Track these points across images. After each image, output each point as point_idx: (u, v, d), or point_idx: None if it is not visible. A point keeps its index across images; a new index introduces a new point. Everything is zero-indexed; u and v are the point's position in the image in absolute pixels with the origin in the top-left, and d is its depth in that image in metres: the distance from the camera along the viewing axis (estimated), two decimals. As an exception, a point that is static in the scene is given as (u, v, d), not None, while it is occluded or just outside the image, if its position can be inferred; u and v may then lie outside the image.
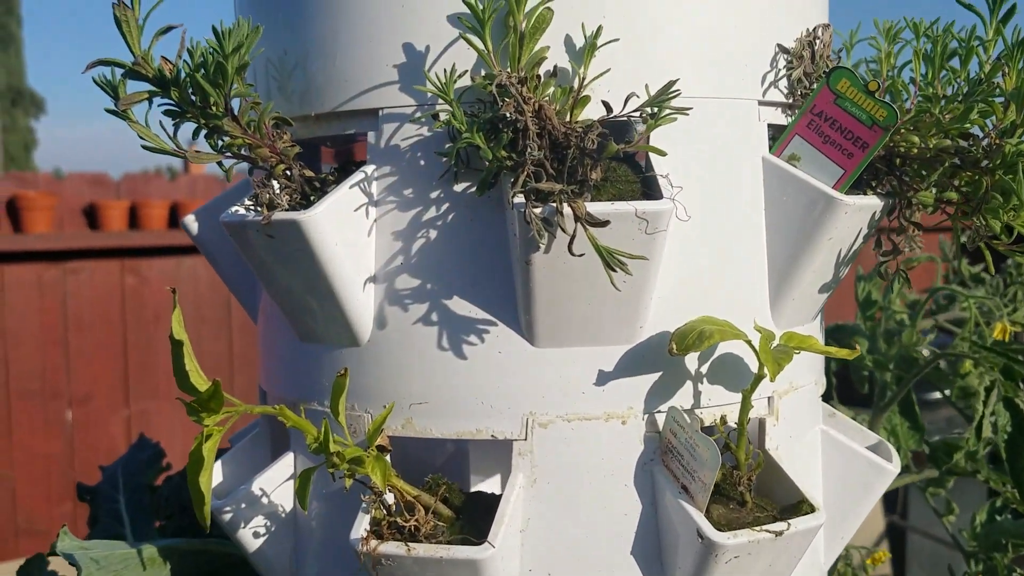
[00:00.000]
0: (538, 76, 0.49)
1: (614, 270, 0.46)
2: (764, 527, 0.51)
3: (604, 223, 0.46)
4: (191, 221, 0.67)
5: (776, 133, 0.58)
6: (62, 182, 3.04)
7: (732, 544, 0.50)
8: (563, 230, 0.47)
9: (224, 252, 0.67)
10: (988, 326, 0.99)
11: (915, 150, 0.57)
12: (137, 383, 2.86)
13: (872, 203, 0.56)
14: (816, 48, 0.58)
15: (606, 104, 0.49)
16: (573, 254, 0.47)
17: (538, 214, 0.47)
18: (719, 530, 0.50)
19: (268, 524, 0.61)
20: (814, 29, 0.59)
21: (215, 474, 0.66)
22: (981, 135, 0.57)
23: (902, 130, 0.59)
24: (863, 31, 0.66)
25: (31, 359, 2.73)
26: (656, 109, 0.47)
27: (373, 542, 0.50)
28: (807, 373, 0.62)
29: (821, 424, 0.65)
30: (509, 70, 0.49)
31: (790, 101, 0.58)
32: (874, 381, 1.07)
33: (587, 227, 0.46)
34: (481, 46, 0.48)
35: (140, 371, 2.86)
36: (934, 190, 0.57)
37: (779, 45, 0.57)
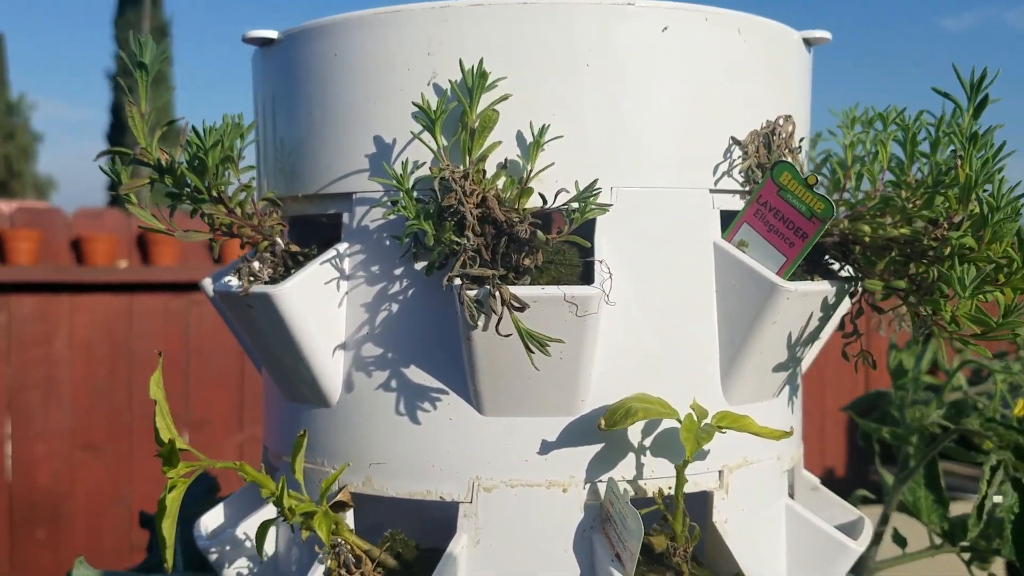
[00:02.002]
0: (483, 170, 0.53)
1: (532, 351, 0.50)
2: (689, 600, 0.53)
3: (524, 307, 0.50)
4: (208, 284, 0.74)
5: (730, 219, 0.60)
6: (186, 218, 3.27)
7: (655, 615, 0.52)
8: (493, 311, 0.51)
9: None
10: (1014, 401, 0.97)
11: (867, 238, 0.59)
12: (251, 409, 3.02)
13: (818, 289, 0.58)
14: (774, 139, 0.60)
15: (542, 196, 0.53)
16: (500, 334, 0.51)
17: (472, 296, 0.51)
18: (647, 600, 0.53)
19: (251, 566, 0.66)
20: (774, 121, 0.61)
21: (217, 515, 0.72)
22: (936, 227, 0.58)
23: (863, 218, 0.60)
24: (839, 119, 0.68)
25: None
26: (581, 204, 0.51)
27: (320, 591, 0.54)
28: (766, 448, 0.63)
29: (787, 499, 0.66)
30: (459, 163, 0.53)
31: (745, 188, 0.60)
32: (902, 457, 1.06)
33: (512, 310, 0.50)
34: (432, 143, 0.53)
35: (254, 399, 3.02)
36: (883, 279, 0.58)
37: (732, 137, 0.59)
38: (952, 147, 0.60)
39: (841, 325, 0.64)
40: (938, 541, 1.00)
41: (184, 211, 0.61)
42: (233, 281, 0.60)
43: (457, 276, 0.51)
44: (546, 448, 0.57)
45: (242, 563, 0.65)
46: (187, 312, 3.01)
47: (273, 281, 0.59)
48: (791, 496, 0.71)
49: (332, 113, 0.60)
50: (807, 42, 0.66)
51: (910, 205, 0.61)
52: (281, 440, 0.66)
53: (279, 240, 0.61)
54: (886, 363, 1.13)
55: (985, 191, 0.54)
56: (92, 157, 0.58)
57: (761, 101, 0.61)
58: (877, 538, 1.00)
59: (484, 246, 0.52)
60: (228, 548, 0.65)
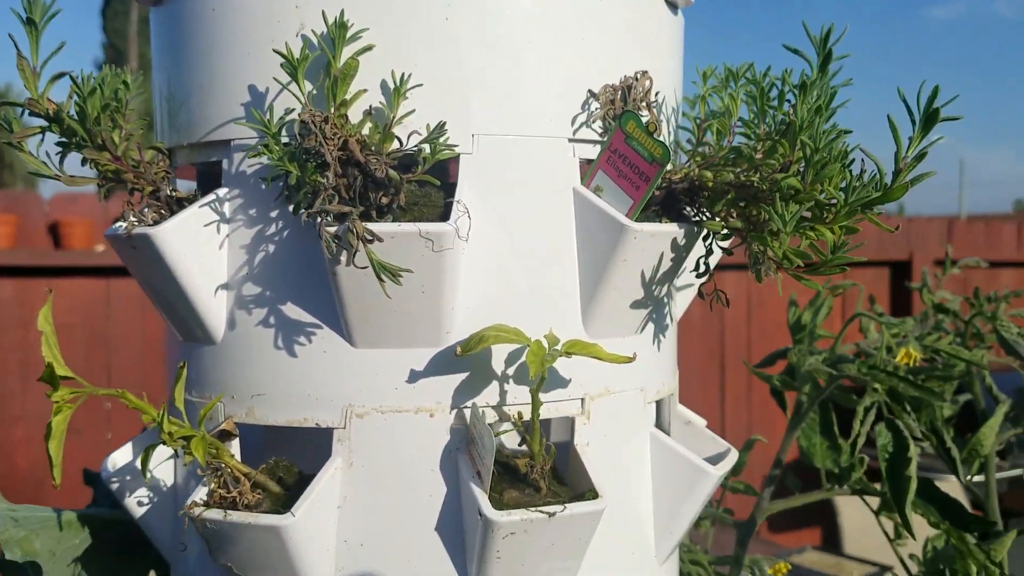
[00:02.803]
0: (345, 116, 0.57)
1: (383, 281, 0.54)
2: (538, 508, 0.58)
3: (377, 239, 0.54)
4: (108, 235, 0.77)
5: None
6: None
7: (505, 521, 0.57)
8: (351, 245, 0.55)
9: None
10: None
11: (710, 183, 0.63)
12: None
13: (665, 230, 0.63)
14: (631, 94, 0.65)
15: (399, 139, 0.57)
16: (357, 267, 0.55)
17: (331, 232, 0.55)
18: (500, 510, 0.57)
19: (151, 495, 0.70)
20: (631, 76, 0.66)
21: (125, 454, 0.75)
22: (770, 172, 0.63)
23: (708, 168, 0.65)
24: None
25: (132, 369, 2.93)
26: (432, 145, 0.55)
27: (198, 509, 0.58)
28: (629, 379, 0.68)
29: (652, 428, 0.71)
30: (324, 110, 0.57)
31: (603, 139, 0.65)
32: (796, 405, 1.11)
33: (366, 244, 0.54)
34: (296, 89, 0.57)
35: None
36: (720, 220, 0.63)
37: (589, 90, 0.64)
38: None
39: (696, 267, 0.69)
40: (830, 486, 1.06)
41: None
42: (122, 224, 0.64)
43: (317, 212, 0.55)
44: (414, 377, 0.61)
45: (142, 493, 0.69)
46: None
47: (156, 224, 0.63)
48: (666, 431, 0.76)
49: (212, 66, 0.63)
50: (671, 5, 0.71)
51: (757, 155, 0.65)
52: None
53: (164, 187, 0.64)
54: (786, 319, 1.19)
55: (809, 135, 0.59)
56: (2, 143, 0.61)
57: (619, 57, 0.65)
58: (771, 480, 1.06)
59: (346, 187, 0.56)
60: (128, 478, 0.69)
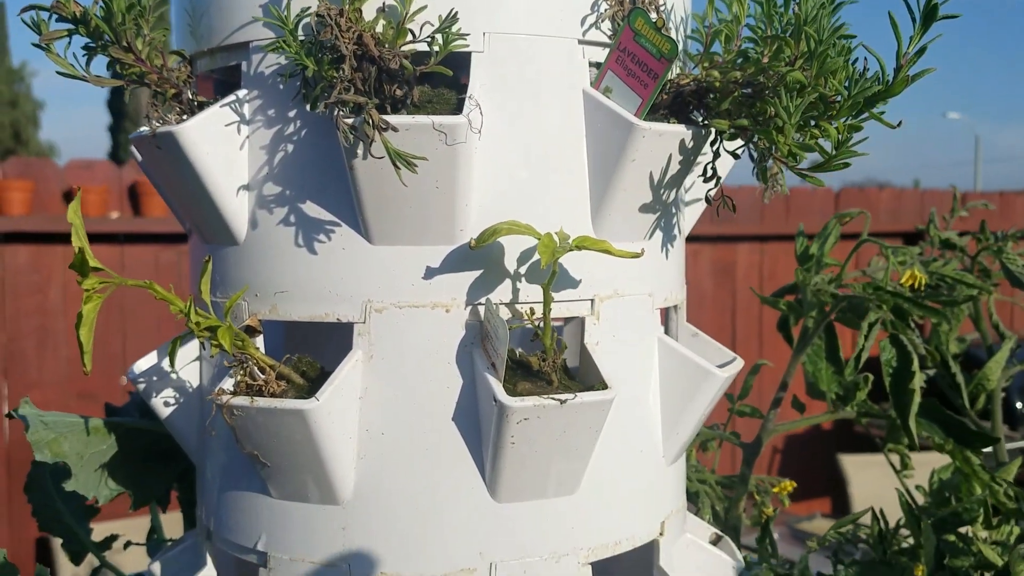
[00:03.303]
0: (358, 10, 0.59)
1: (399, 168, 0.56)
2: (550, 395, 0.60)
3: (394, 128, 0.56)
4: (134, 148, 0.79)
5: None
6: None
7: (519, 406, 0.59)
8: (368, 136, 0.57)
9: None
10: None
11: (717, 83, 0.65)
12: None
13: (673, 130, 0.64)
14: (637, -6, 0.66)
15: (412, 32, 0.59)
16: (373, 156, 0.57)
17: (348, 123, 0.57)
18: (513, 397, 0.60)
19: (177, 396, 0.73)
20: (639, -26, 0.67)
21: (150, 359, 0.78)
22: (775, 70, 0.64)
23: (716, 68, 0.66)
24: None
25: (147, 334, 2.97)
26: (443, 36, 0.57)
27: (226, 396, 0.61)
28: (638, 284, 0.70)
29: (660, 333, 0.73)
30: (339, 4, 0.59)
31: (612, 41, 0.66)
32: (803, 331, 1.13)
33: (381, 133, 0.55)
34: (312, -16, 0.59)
35: None
36: (728, 119, 0.64)
37: (598, -10, 0.65)
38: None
39: (704, 173, 0.70)
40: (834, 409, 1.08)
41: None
42: (144, 129, 0.66)
43: (335, 104, 0.57)
44: (430, 273, 0.63)
45: (168, 393, 0.72)
46: (178, 263, 3.05)
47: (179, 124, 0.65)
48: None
49: (233, -28, 0.65)
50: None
51: (764, 58, 0.66)
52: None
53: (185, 90, 0.66)
54: (794, 249, 1.20)
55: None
56: (93, 124, 0.63)
57: (630, -40, 0.66)
58: (776, 403, 1.08)
59: (361, 80, 0.58)
60: (154, 378, 0.71)
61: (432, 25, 0.58)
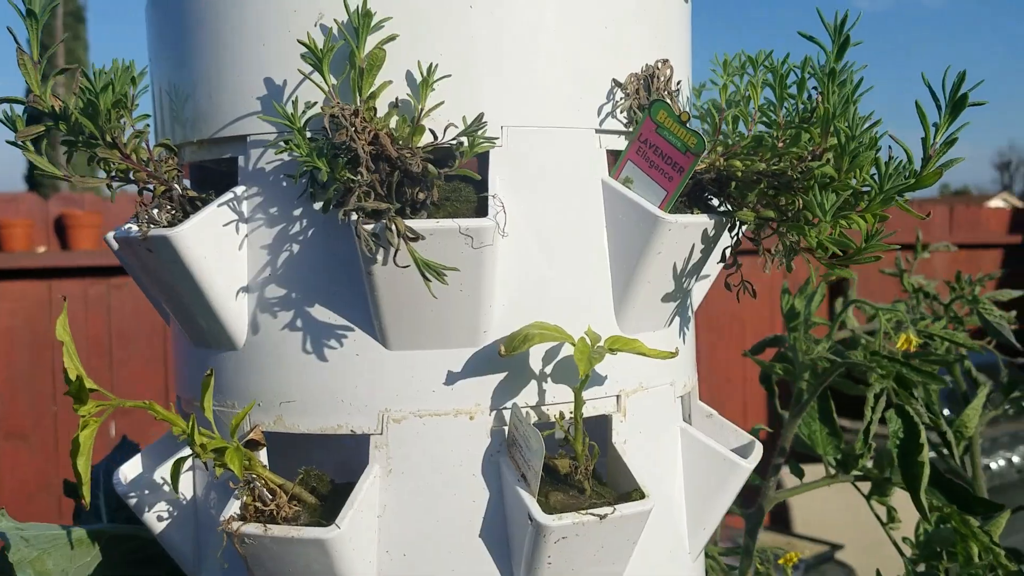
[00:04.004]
0: (374, 108, 0.55)
1: (429, 280, 0.52)
2: (589, 511, 0.56)
3: (420, 237, 0.52)
4: (111, 238, 0.73)
5: (618, 158, 0.64)
6: (106, 201, 3.19)
7: (557, 526, 0.55)
8: (390, 243, 0.53)
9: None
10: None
11: (739, 173, 0.62)
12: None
13: (698, 221, 0.62)
14: (654, 83, 0.64)
15: (433, 132, 0.55)
16: (398, 265, 0.53)
17: (369, 230, 0.53)
18: (551, 513, 0.56)
19: (171, 509, 0.67)
20: (653, 65, 0.64)
21: (135, 466, 0.72)
22: (800, 160, 0.62)
23: (737, 156, 0.64)
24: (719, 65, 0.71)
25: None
26: (469, 138, 0.53)
27: (236, 523, 0.56)
28: (660, 374, 0.67)
29: (681, 422, 0.70)
30: (350, 102, 0.55)
31: (629, 129, 0.64)
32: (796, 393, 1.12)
33: (408, 241, 0.52)
34: (320, 81, 0.55)
35: None
36: (753, 211, 0.62)
37: (614, 80, 0.62)
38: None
39: (723, 258, 0.68)
40: (833, 472, 1.06)
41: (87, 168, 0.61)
42: (132, 227, 0.61)
43: (353, 210, 0.53)
44: (452, 379, 0.59)
45: (161, 507, 0.66)
46: (108, 296, 2.93)
47: (172, 225, 0.60)
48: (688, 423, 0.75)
49: (223, 58, 0.60)
50: (685, -8, 0.70)
51: (779, 144, 0.65)
52: (192, 386, 0.66)
53: (176, 186, 0.61)
54: (780, 307, 1.19)
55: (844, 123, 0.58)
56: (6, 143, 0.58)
57: (641, 45, 0.64)
58: (775, 469, 1.06)
59: (379, 182, 0.54)
60: (147, 492, 0.66)
61: (456, 127, 0.55)
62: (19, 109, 0.60)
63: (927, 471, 0.88)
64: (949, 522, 1.05)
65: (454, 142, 0.54)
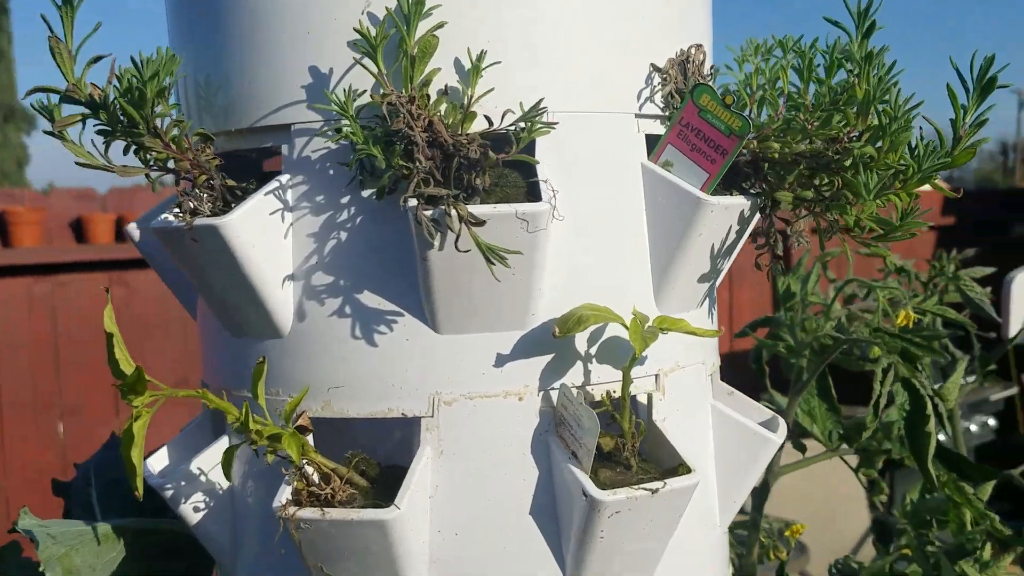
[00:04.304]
0: (427, 95, 0.55)
1: (493, 263, 0.52)
2: (641, 486, 0.57)
3: (482, 222, 0.52)
4: (133, 228, 0.73)
5: (654, 143, 0.65)
6: (49, 197, 3.10)
7: (612, 500, 0.56)
8: (450, 229, 0.53)
9: (163, 257, 0.73)
10: (895, 313, 1.07)
11: (776, 155, 0.64)
12: None
13: (737, 202, 0.63)
14: (688, 67, 0.65)
15: (488, 119, 0.56)
16: (459, 250, 0.53)
17: (428, 216, 0.53)
18: (602, 489, 0.57)
19: (207, 500, 0.66)
20: (687, 49, 0.66)
21: (162, 458, 0.71)
22: (837, 141, 0.64)
23: (770, 138, 0.66)
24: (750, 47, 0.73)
25: (22, 371, 2.77)
26: (527, 124, 0.54)
27: (292, 508, 0.56)
28: (693, 354, 0.68)
29: (712, 400, 0.72)
30: (402, 90, 0.55)
31: (666, 113, 0.65)
32: (795, 371, 1.15)
33: (470, 227, 0.52)
34: (374, 69, 0.55)
35: None
36: (792, 191, 0.64)
37: (652, 65, 0.63)
38: (842, 70, 0.66)
39: (752, 238, 0.69)
40: (835, 447, 1.09)
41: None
42: (171, 217, 0.60)
43: (413, 197, 0.53)
44: (501, 361, 0.60)
45: (198, 497, 0.66)
46: (52, 295, 2.87)
47: (215, 215, 0.60)
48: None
49: (264, 47, 0.60)
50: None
51: (809, 126, 0.66)
52: (227, 376, 0.66)
53: (215, 175, 0.61)
54: (775, 289, 1.22)
55: (881, 104, 0.60)
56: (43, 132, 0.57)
57: (675, 31, 0.65)
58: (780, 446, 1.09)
59: (435, 168, 0.54)
60: (183, 483, 0.65)
61: (511, 110, 0.55)
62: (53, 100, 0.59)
63: (933, 441, 0.91)
64: (934, 492, 1.09)
65: (513, 128, 0.55)
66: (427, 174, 0.53)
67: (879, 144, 0.60)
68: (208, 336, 0.69)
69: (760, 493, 1.05)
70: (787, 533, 1.03)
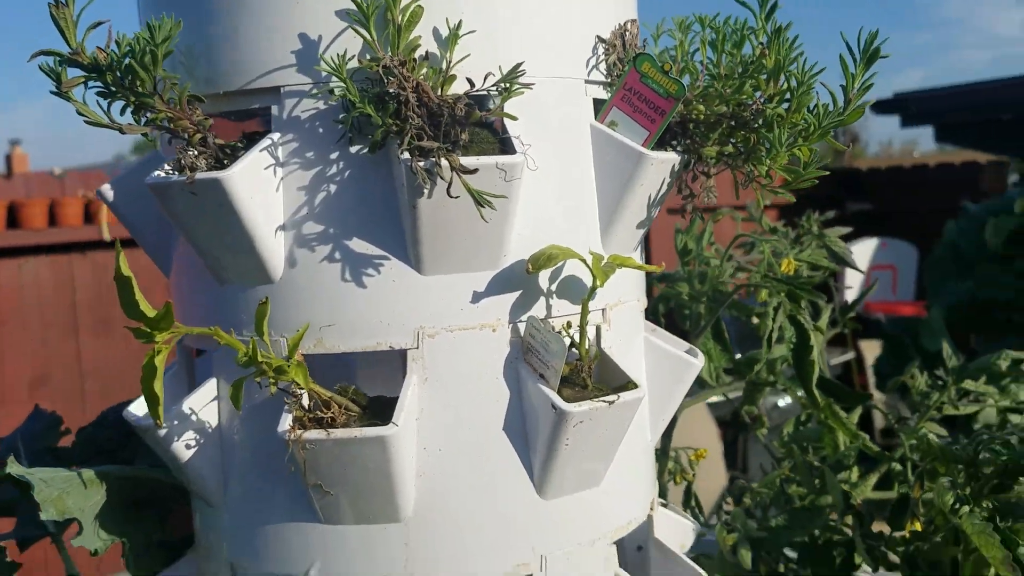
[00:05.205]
0: (414, 60, 0.62)
1: (482, 206, 0.60)
2: (600, 398, 0.67)
3: (474, 171, 0.60)
4: (107, 189, 0.76)
5: (599, 106, 0.74)
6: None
7: (577, 411, 0.66)
8: (442, 178, 0.61)
9: (136, 214, 0.77)
10: (778, 263, 1.21)
11: (702, 116, 0.75)
12: (53, 381, 2.80)
13: (671, 157, 0.73)
14: (626, 39, 0.74)
15: (470, 80, 0.63)
16: (451, 196, 0.61)
17: (422, 166, 0.61)
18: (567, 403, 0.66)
19: (197, 438, 0.72)
20: (624, 23, 0.75)
21: (141, 405, 0.75)
22: (751, 103, 0.75)
23: (693, 102, 0.76)
24: (666, 25, 0.83)
25: None
26: (507, 84, 0.62)
27: (298, 431, 0.63)
28: (631, 291, 0.79)
29: (644, 333, 0.82)
30: (391, 54, 0.62)
31: (608, 80, 0.74)
32: (693, 317, 1.28)
33: (460, 175, 0.60)
34: (367, 35, 0.62)
35: (60, 370, 2.80)
36: (716, 147, 0.75)
37: (598, 36, 0.73)
38: (748, 44, 0.77)
39: (679, 189, 0.80)
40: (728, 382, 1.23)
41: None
42: (163, 174, 0.65)
43: (407, 150, 0.61)
44: (477, 298, 0.68)
45: (189, 436, 0.71)
46: None
47: (211, 170, 0.65)
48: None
49: (253, 14, 0.65)
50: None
51: (724, 92, 0.77)
52: (216, 321, 0.71)
53: (209, 134, 0.66)
54: (674, 245, 1.35)
55: (788, 71, 0.71)
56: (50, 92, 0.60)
57: (614, 6, 0.75)
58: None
59: (429, 125, 0.61)
60: (176, 423, 0.70)
61: (491, 73, 0.63)
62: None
63: (817, 368, 1.05)
64: (808, 424, 1.25)
65: (493, 89, 0.63)
66: (419, 130, 0.61)
67: (787, 105, 0.71)
68: (191, 288, 0.74)
69: (667, 425, 1.17)
70: (692, 457, 1.16)
